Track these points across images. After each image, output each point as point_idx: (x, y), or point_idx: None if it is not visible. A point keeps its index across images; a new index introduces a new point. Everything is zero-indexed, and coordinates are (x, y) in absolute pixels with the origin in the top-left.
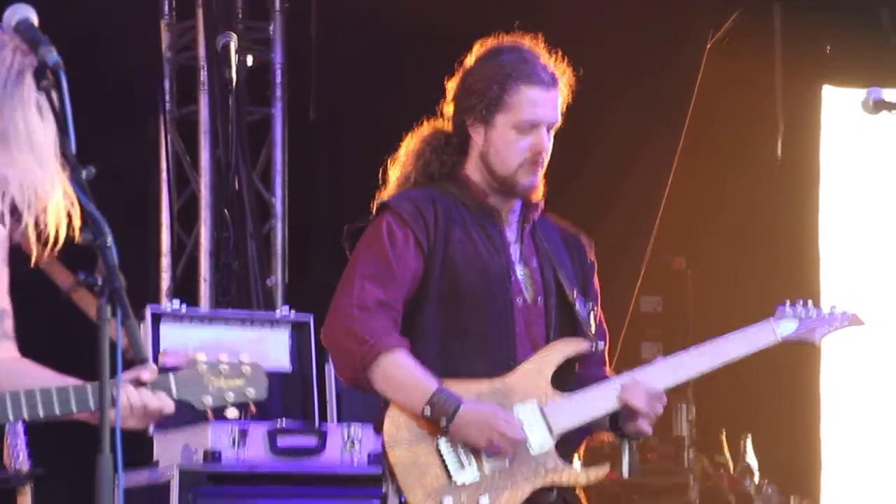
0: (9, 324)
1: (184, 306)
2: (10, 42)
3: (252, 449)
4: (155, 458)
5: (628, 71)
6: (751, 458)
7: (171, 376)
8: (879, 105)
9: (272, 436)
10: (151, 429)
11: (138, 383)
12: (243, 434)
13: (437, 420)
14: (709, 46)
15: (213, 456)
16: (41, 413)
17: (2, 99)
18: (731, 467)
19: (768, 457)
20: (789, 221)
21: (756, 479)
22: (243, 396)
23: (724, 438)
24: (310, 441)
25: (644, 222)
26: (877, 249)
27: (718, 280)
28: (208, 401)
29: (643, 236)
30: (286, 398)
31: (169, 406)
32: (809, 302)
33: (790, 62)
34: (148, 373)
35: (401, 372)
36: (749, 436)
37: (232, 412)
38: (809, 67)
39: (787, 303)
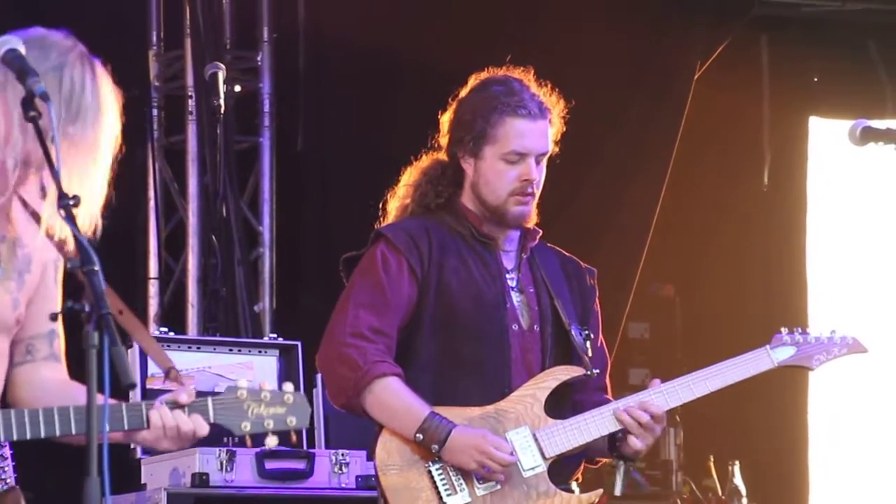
0: (58, 345)
1: (171, 332)
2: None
3: (240, 472)
4: (143, 482)
5: (617, 101)
6: (739, 483)
7: (210, 400)
8: (866, 135)
9: (260, 459)
10: (139, 452)
11: (175, 405)
12: (231, 457)
13: (429, 446)
14: (696, 77)
15: (201, 479)
16: (57, 430)
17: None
18: (719, 491)
19: (756, 482)
20: (777, 249)
21: (744, 503)
22: (283, 425)
23: (711, 463)
24: (298, 465)
25: (633, 249)
26: (864, 277)
27: (706, 307)
28: (246, 427)
29: (632, 263)
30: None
31: (204, 429)
32: (808, 329)
33: (777, 93)
34: (185, 395)
35: (393, 398)
36: (737, 461)
37: (271, 440)
38: (797, 98)
39: (784, 330)
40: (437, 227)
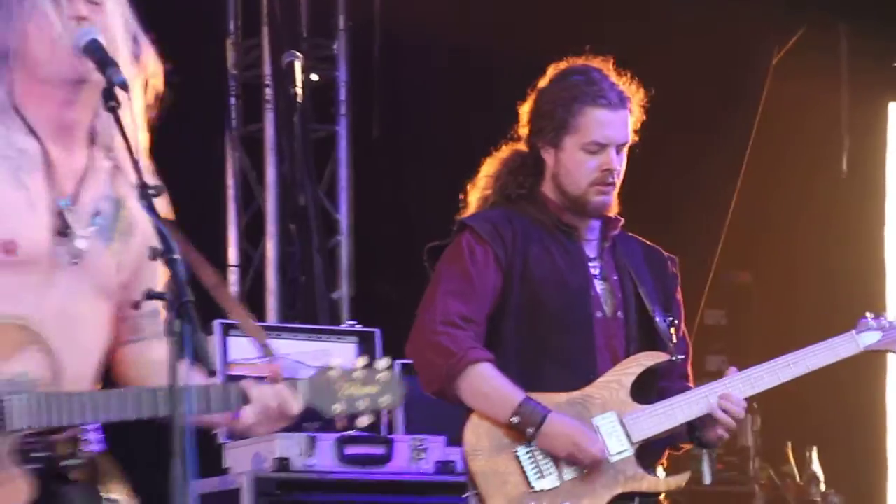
0: (161, 322)
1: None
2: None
3: (321, 457)
4: (226, 466)
5: (693, 88)
6: (817, 469)
7: (301, 382)
8: None
9: (340, 444)
10: (221, 437)
11: (274, 381)
12: (312, 442)
13: (524, 429)
14: (774, 63)
15: (282, 464)
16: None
17: None
18: (797, 477)
19: (833, 468)
20: (855, 236)
21: (822, 488)
22: (376, 405)
23: (789, 450)
24: (378, 450)
25: (710, 236)
26: None
27: (783, 294)
28: (338, 408)
29: (709, 251)
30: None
31: (296, 410)
32: (890, 315)
33: (856, 78)
34: (278, 376)
35: (487, 383)
36: (815, 447)
37: (363, 421)
38: (875, 84)
39: (870, 315)
40: (519, 217)
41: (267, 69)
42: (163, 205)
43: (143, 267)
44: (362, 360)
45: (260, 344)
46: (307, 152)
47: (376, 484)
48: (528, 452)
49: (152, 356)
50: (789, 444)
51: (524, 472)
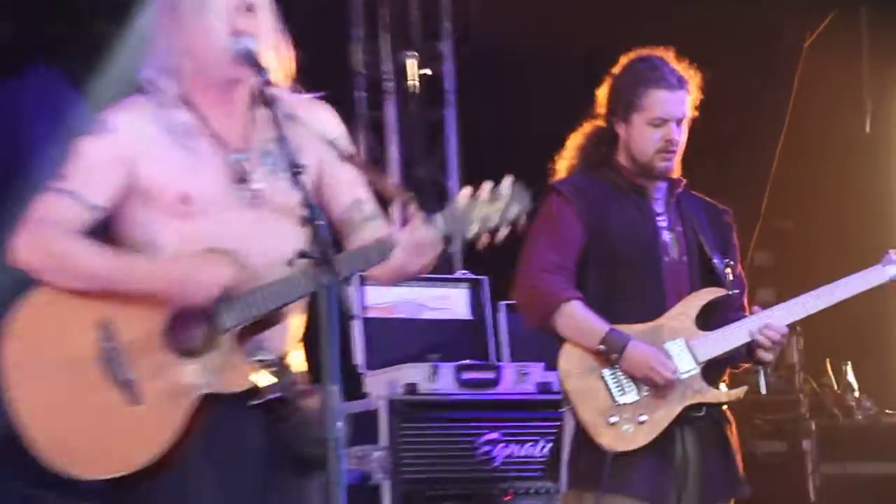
0: (370, 208)
1: None
2: None
3: (442, 382)
4: (365, 391)
5: (742, 65)
6: (851, 380)
7: (438, 216)
8: None
9: (458, 371)
10: (363, 367)
11: (413, 227)
12: (435, 370)
13: (610, 354)
14: (807, 45)
15: (411, 388)
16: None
17: None
18: (835, 387)
19: (865, 379)
20: (877, 185)
21: (856, 395)
22: (507, 217)
23: (828, 365)
24: (489, 375)
25: (758, 191)
26: None
27: (818, 237)
28: (474, 229)
29: (757, 202)
30: (469, 341)
31: (435, 243)
32: None
33: (875, 54)
34: (417, 218)
35: (577, 318)
36: (849, 362)
37: (502, 233)
38: (892, 57)
39: (892, 251)
40: (598, 180)
41: (388, 66)
42: (307, 181)
43: (332, 179)
44: (486, 184)
45: (344, 301)
46: (422, 135)
47: (487, 403)
48: (612, 373)
49: (363, 237)
50: (828, 360)
51: (609, 390)
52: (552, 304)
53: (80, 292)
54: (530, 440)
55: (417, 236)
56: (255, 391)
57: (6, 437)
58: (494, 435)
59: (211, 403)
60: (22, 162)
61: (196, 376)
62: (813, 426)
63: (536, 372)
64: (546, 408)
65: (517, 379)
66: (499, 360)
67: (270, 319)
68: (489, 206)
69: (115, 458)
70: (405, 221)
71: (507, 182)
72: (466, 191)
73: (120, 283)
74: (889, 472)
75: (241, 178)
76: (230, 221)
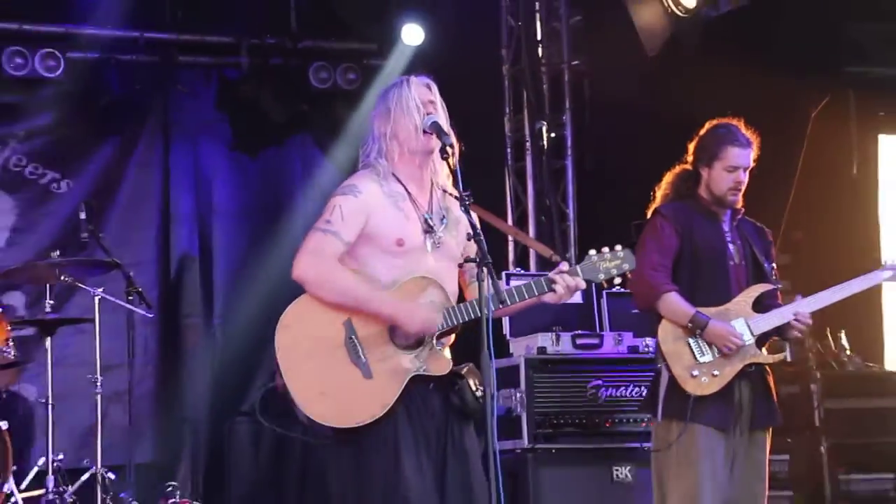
0: (474, 273)
1: (520, 270)
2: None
3: (563, 346)
4: (510, 352)
5: (767, 131)
6: (844, 343)
7: (578, 267)
8: None
9: (574, 338)
10: (509, 335)
11: (565, 272)
12: (558, 337)
13: (695, 329)
14: (813, 115)
15: (542, 350)
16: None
17: None
18: (833, 347)
19: (854, 342)
20: (862, 210)
21: (848, 352)
22: (622, 269)
23: (828, 332)
24: (594, 340)
25: (779, 212)
26: None
27: (822, 246)
28: (601, 277)
29: (779, 220)
30: (581, 317)
31: (582, 285)
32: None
33: (860, 121)
34: (566, 266)
35: (673, 304)
36: (843, 330)
37: (617, 280)
38: (871, 123)
39: (886, 261)
40: (686, 207)
41: (526, 131)
42: (474, 209)
43: (465, 243)
44: (606, 248)
45: (497, 293)
46: (551, 176)
47: (594, 359)
48: (695, 341)
49: (474, 290)
50: (828, 329)
51: (693, 352)
52: (657, 294)
53: (332, 303)
54: (623, 385)
55: (569, 281)
56: (448, 374)
57: (269, 392)
58: (599, 382)
59: (415, 381)
60: (286, 206)
61: (411, 363)
62: (818, 375)
63: (627, 338)
64: (634, 363)
65: (614, 343)
66: (601, 330)
67: (455, 326)
68: (609, 262)
69: (353, 413)
70: (546, 266)
71: (619, 247)
72: (593, 250)
73: (362, 304)
74: (872, 405)
75: (430, 230)
76: (424, 260)
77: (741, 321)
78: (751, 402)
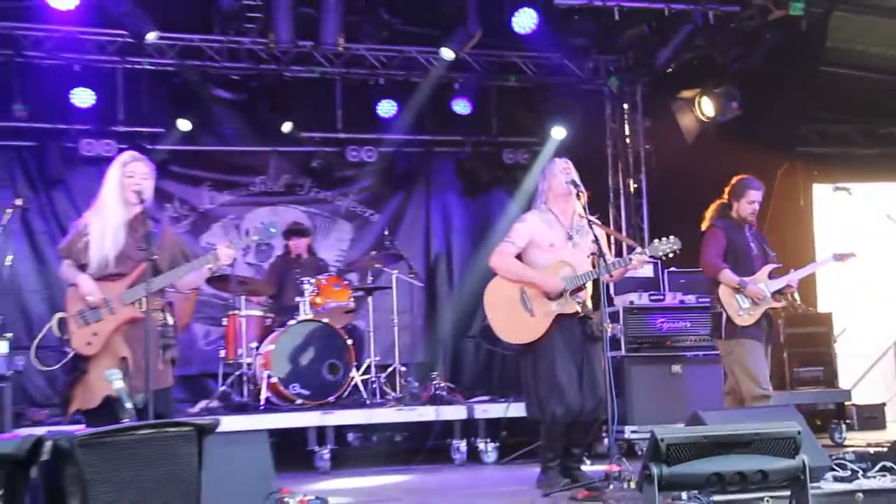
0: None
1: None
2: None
3: (643, 300)
4: (615, 304)
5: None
6: (797, 297)
7: (646, 249)
8: (838, 189)
9: (649, 296)
10: (614, 294)
11: (640, 254)
12: (640, 295)
13: (740, 289)
14: (780, 172)
15: (632, 302)
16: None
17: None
18: (791, 299)
19: (802, 297)
20: (804, 225)
21: (798, 302)
22: (673, 248)
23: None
24: (661, 297)
25: (761, 224)
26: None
27: (785, 244)
28: (659, 253)
29: (761, 228)
30: (652, 284)
31: (649, 260)
32: (851, 251)
33: (804, 176)
34: (640, 250)
35: (727, 275)
36: (797, 290)
37: (670, 255)
38: (809, 180)
39: (835, 252)
40: (727, 223)
41: (620, 183)
42: (595, 225)
43: (590, 244)
44: (663, 237)
45: (635, 244)
46: (634, 207)
47: (661, 308)
48: (739, 296)
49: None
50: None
51: (738, 302)
52: (718, 270)
53: (511, 279)
54: (676, 322)
55: (642, 258)
56: (578, 312)
57: (483, 327)
58: (663, 319)
59: (560, 317)
60: (489, 228)
61: (556, 307)
62: (782, 315)
63: (678, 296)
64: (682, 310)
65: (671, 299)
66: (663, 291)
67: (582, 287)
68: (665, 245)
69: (524, 336)
70: (631, 251)
71: (671, 236)
72: (656, 239)
73: (525, 278)
74: (809, 331)
75: (570, 237)
76: (566, 253)
77: (763, 284)
78: (767, 327)
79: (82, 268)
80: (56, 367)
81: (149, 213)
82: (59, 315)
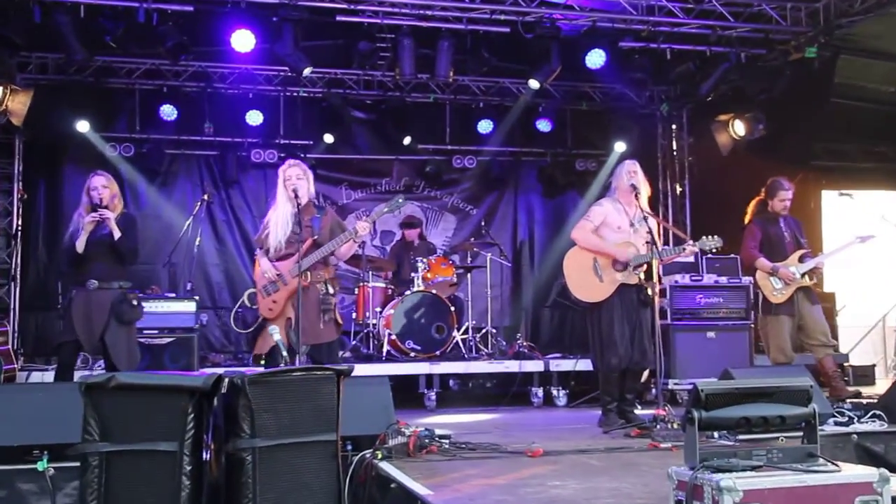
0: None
1: (668, 246)
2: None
3: (686, 280)
4: (663, 283)
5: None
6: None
7: (698, 243)
8: (842, 195)
9: (690, 276)
10: (662, 274)
11: (690, 245)
12: (682, 276)
13: (773, 272)
14: (795, 181)
15: (676, 281)
16: None
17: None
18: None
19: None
20: (815, 224)
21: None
22: (715, 245)
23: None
24: (700, 277)
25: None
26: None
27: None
28: (706, 249)
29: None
30: (693, 267)
31: (696, 250)
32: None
33: (814, 183)
34: (691, 242)
35: (763, 262)
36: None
37: (714, 249)
38: (819, 185)
39: (857, 237)
40: (763, 218)
41: (669, 187)
42: (651, 217)
43: (646, 234)
44: (708, 235)
45: (686, 237)
46: (679, 206)
47: (699, 286)
48: (774, 278)
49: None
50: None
51: (772, 284)
52: (754, 258)
53: (589, 250)
54: (711, 297)
55: (693, 249)
56: (639, 283)
57: (562, 287)
58: (702, 295)
59: (622, 286)
60: (565, 217)
61: (621, 277)
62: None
63: (714, 277)
64: (716, 288)
65: (707, 280)
66: (701, 273)
67: (641, 264)
68: (710, 241)
69: (594, 296)
70: (680, 241)
71: (714, 235)
72: (704, 236)
73: (601, 249)
74: (821, 304)
75: (632, 225)
76: (628, 236)
77: (794, 267)
78: (798, 303)
79: (267, 252)
80: (249, 330)
81: (314, 203)
82: (249, 291)
